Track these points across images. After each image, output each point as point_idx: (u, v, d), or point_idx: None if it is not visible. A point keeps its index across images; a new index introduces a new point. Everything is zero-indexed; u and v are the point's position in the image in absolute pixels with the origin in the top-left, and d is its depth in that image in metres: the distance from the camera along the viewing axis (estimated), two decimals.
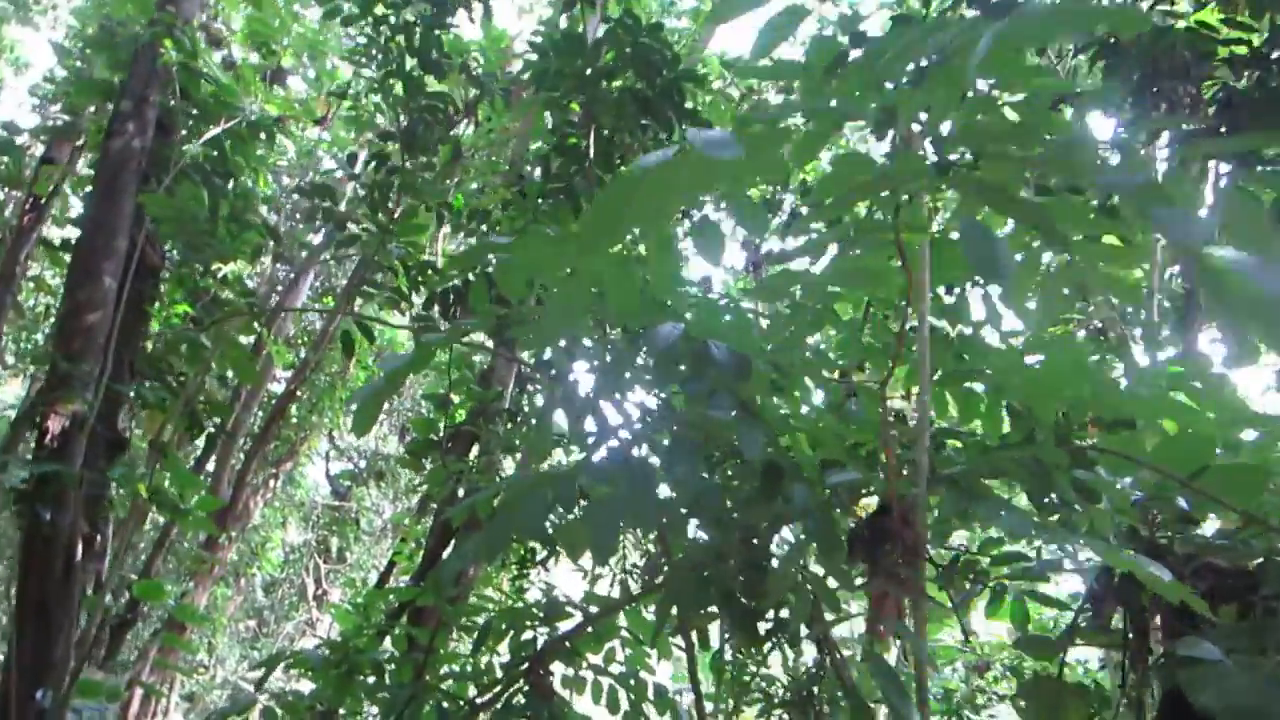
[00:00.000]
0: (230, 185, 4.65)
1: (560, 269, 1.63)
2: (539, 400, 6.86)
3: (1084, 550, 1.95)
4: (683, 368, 2.23)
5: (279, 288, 10.86)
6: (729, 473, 2.64)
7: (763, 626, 2.76)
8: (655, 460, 2.51)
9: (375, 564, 16.09)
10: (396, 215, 4.75)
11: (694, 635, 3.48)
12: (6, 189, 10.98)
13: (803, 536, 2.66)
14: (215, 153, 4.63)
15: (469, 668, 3.85)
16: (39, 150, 9.51)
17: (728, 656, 5.18)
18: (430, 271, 4.99)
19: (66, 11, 14.95)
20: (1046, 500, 2.61)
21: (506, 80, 8.45)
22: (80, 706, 4.22)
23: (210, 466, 10.22)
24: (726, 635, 4.73)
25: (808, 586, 2.62)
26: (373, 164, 5.12)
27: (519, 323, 2.27)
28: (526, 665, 3.05)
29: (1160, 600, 2.30)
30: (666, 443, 2.49)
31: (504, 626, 3.58)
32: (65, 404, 3.84)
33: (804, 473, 2.14)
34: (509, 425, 5.83)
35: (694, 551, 2.53)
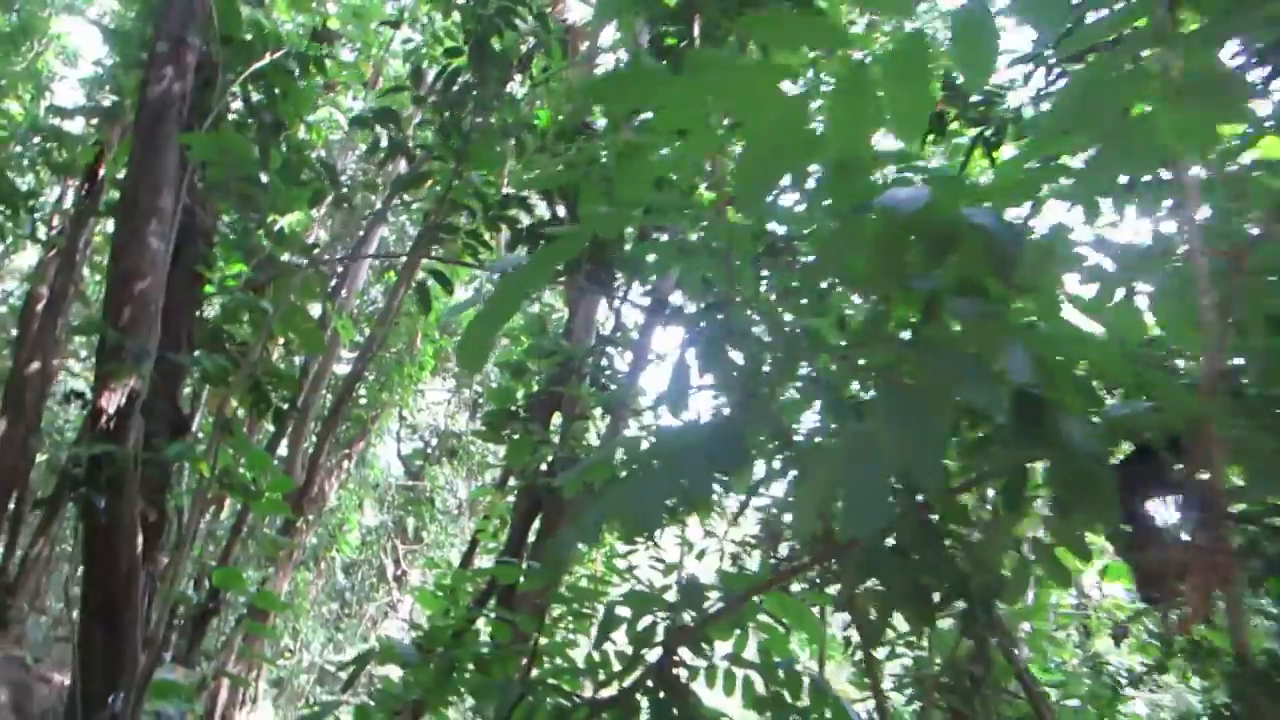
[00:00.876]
0: (281, 135, 4.21)
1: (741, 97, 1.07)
2: (618, 362, 6.36)
3: None
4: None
5: (340, 253, 10.51)
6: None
7: None
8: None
9: (453, 543, 15.95)
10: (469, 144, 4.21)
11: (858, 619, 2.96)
12: (62, 179, 10.85)
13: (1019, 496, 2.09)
14: (262, 96, 4.18)
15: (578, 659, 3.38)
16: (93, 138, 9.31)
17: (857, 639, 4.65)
18: (512, 208, 4.43)
19: None
20: None
21: (560, 29, 7.93)
22: (160, 710, 3.89)
23: (283, 451, 10.02)
24: (874, 616, 4.18)
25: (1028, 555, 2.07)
26: (441, 84, 4.55)
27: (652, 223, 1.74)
28: (659, 657, 2.56)
29: None
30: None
31: (618, 612, 3.09)
32: (118, 379, 3.45)
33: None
34: (593, 388, 5.34)
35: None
